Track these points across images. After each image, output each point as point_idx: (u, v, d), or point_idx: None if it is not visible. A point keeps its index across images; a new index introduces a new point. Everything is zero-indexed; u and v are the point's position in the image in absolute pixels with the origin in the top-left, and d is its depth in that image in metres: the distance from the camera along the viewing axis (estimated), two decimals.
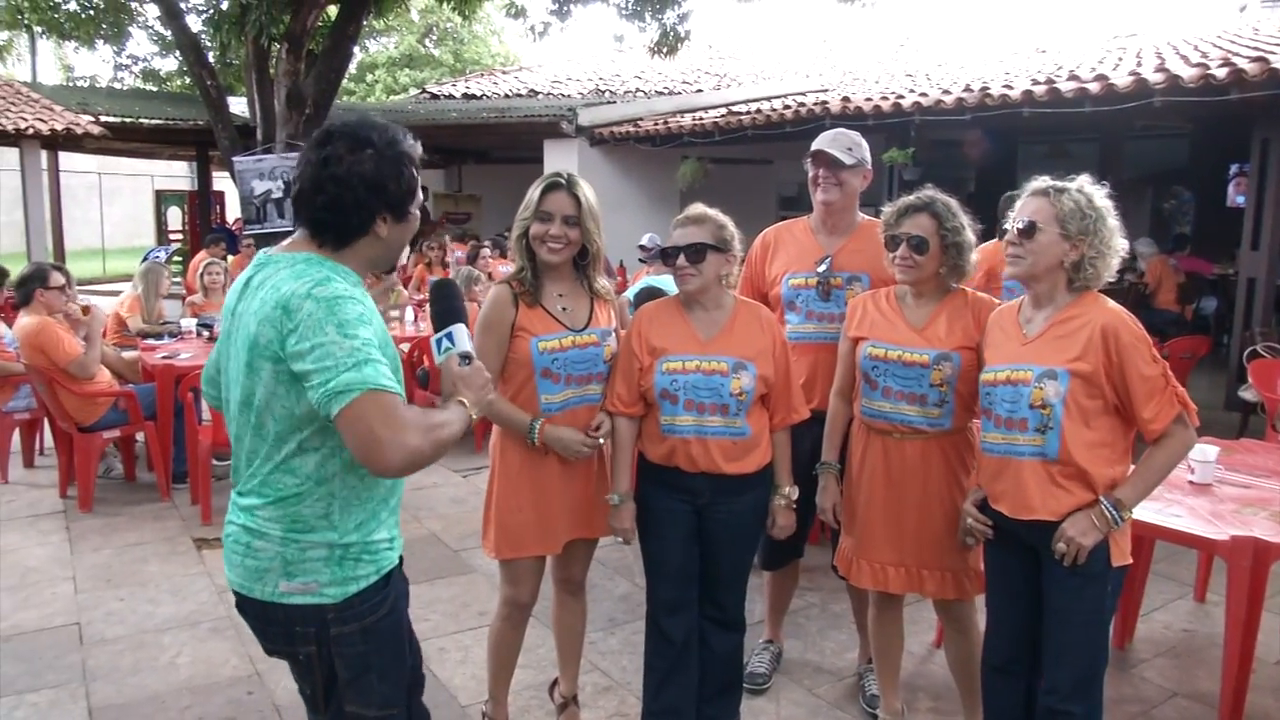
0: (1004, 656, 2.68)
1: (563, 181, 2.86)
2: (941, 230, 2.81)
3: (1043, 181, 2.55)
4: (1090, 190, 2.50)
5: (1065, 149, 14.20)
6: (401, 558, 2.13)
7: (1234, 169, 13.62)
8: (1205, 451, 3.43)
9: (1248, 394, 6.74)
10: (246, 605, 2.01)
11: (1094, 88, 7.74)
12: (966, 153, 11.87)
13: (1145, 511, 2.92)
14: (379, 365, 1.78)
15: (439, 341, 2.07)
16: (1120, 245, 2.50)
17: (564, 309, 2.92)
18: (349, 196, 1.90)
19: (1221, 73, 6.89)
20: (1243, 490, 3.41)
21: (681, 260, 2.83)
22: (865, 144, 3.42)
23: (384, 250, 2.01)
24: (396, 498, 2.08)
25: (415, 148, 2.01)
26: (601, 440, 2.93)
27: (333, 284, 1.85)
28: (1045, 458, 2.46)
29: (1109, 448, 2.46)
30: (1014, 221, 2.53)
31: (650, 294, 5.40)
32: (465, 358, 2.04)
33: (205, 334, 6.89)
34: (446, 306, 2.15)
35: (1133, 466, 2.52)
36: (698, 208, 2.92)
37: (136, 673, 3.70)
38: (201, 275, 7.80)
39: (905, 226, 2.84)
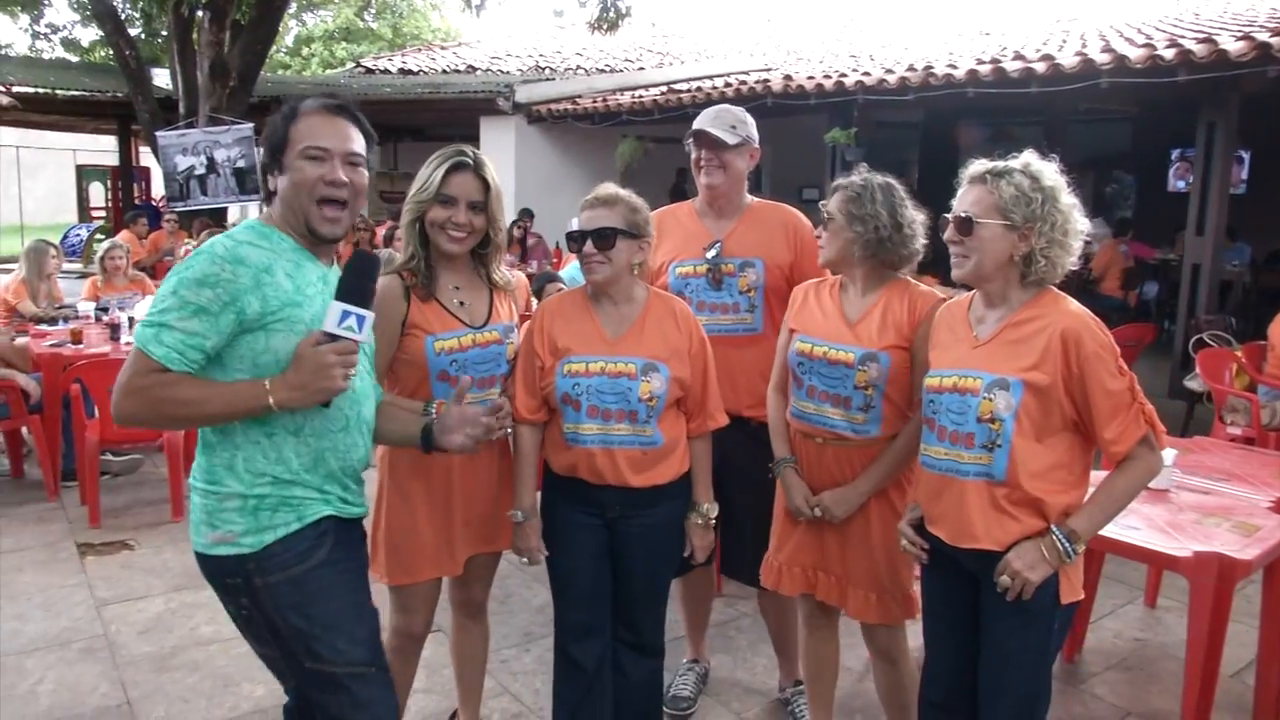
0: (944, 692, 2.38)
1: (469, 161, 2.49)
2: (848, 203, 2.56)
3: (980, 165, 2.21)
4: (1036, 169, 2.16)
5: (1009, 131, 14.12)
6: (356, 520, 2.13)
7: (1175, 154, 13.67)
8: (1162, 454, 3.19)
9: (1194, 384, 6.60)
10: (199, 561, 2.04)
11: (1040, 68, 7.55)
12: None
13: None
14: (165, 331, 1.84)
15: (345, 314, 1.89)
16: (1081, 227, 2.17)
17: (461, 304, 2.57)
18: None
19: (1169, 54, 6.71)
20: (1202, 497, 3.17)
21: (588, 247, 2.50)
22: (751, 121, 3.10)
23: (282, 207, 2.00)
24: (332, 466, 2.03)
25: (302, 104, 2.00)
26: (507, 428, 2.59)
27: (218, 241, 1.93)
28: (991, 479, 2.15)
29: (1065, 469, 2.16)
30: (953, 214, 2.21)
31: (547, 279, 5.07)
32: (330, 337, 1.89)
33: (104, 318, 6.44)
34: (363, 284, 1.95)
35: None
36: (607, 188, 2.58)
37: None
38: (102, 259, 7.26)
39: (826, 205, 2.61)
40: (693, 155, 3.07)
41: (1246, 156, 12.33)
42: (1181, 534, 2.85)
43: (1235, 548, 2.75)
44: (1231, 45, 6.31)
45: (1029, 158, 2.19)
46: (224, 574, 1.97)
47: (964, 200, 2.21)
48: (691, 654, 3.46)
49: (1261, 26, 7.56)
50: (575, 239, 2.53)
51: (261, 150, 2.05)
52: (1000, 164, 2.19)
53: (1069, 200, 2.16)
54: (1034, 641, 2.18)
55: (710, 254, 3.03)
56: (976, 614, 2.26)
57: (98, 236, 17.12)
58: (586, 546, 2.61)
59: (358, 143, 2.01)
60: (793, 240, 3.06)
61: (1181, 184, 13.34)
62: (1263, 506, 3.12)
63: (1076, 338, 2.09)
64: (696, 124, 3.04)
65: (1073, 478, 2.18)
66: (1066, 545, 2.10)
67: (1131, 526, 2.84)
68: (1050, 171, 2.17)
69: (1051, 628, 2.18)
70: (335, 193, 1.96)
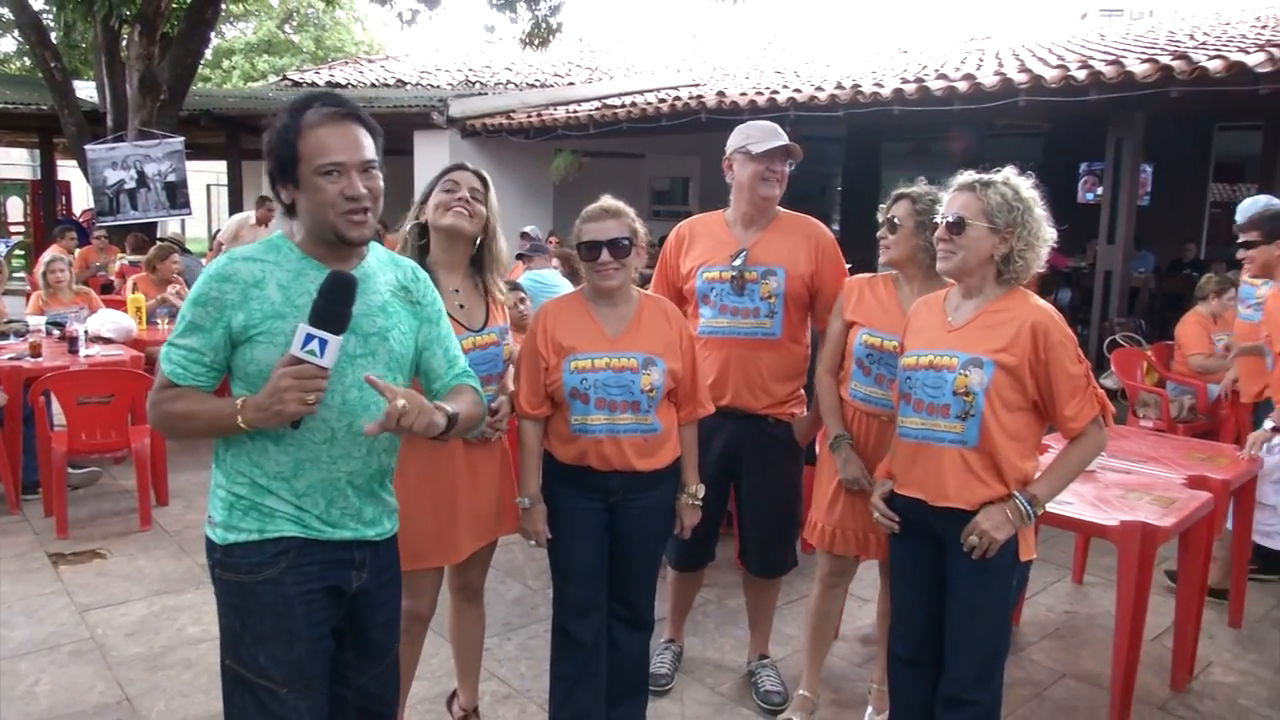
0: (912, 649, 2.68)
1: (468, 166, 2.79)
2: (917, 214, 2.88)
3: (968, 176, 2.55)
4: (1016, 182, 2.51)
5: (928, 146, 14.72)
6: (340, 544, 2.09)
7: (1083, 167, 14.35)
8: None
9: (1109, 381, 7.06)
10: None
11: (962, 87, 7.97)
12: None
13: None
14: (171, 349, 1.99)
15: (308, 338, 1.84)
16: (1049, 235, 2.52)
17: (461, 307, 2.79)
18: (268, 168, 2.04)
19: (1081, 75, 7.18)
20: (1124, 476, 3.54)
21: (605, 256, 2.74)
22: None
23: (304, 219, 2.03)
24: (314, 477, 2.02)
25: (305, 115, 1.97)
26: (503, 429, 2.81)
27: (218, 260, 2.03)
28: (964, 445, 2.47)
29: (1023, 442, 2.49)
30: (941, 216, 2.53)
31: (510, 287, 5.26)
32: (298, 361, 1.85)
33: (57, 333, 6.43)
34: (333, 308, 1.88)
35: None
36: (611, 200, 2.82)
37: None
38: (44, 274, 7.22)
39: (892, 211, 2.96)
40: (754, 168, 3.19)
41: (1149, 170, 13.04)
42: (1109, 507, 3.20)
43: (1156, 517, 3.10)
44: (1138, 68, 6.79)
45: (1009, 173, 2.54)
46: (207, 551, 2.09)
47: (953, 204, 2.53)
48: (669, 634, 3.72)
49: (1163, 49, 8.13)
50: (589, 249, 2.76)
51: (267, 161, 2.03)
52: (986, 176, 2.53)
53: (1041, 212, 2.52)
54: (995, 596, 2.50)
55: (736, 261, 3.22)
56: (942, 577, 2.57)
57: (17, 252, 16.73)
58: (588, 529, 2.84)
59: (369, 148, 1.99)
60: (814, 252, 3.25)
61: (1090, 196, 13.99)
62: (1177, 483, 3.49)
63: (1045, 329, 2.43)
64: (775, 140, 3.18)
65: (1027, 450, 2.51)
66: (1028, 508, 2.43)
67: (1065, 501, 3.16)
68: (1026, 185, 2.52)
69: (1010, 584, 2.50)
70: (356, 205, 1.97)
